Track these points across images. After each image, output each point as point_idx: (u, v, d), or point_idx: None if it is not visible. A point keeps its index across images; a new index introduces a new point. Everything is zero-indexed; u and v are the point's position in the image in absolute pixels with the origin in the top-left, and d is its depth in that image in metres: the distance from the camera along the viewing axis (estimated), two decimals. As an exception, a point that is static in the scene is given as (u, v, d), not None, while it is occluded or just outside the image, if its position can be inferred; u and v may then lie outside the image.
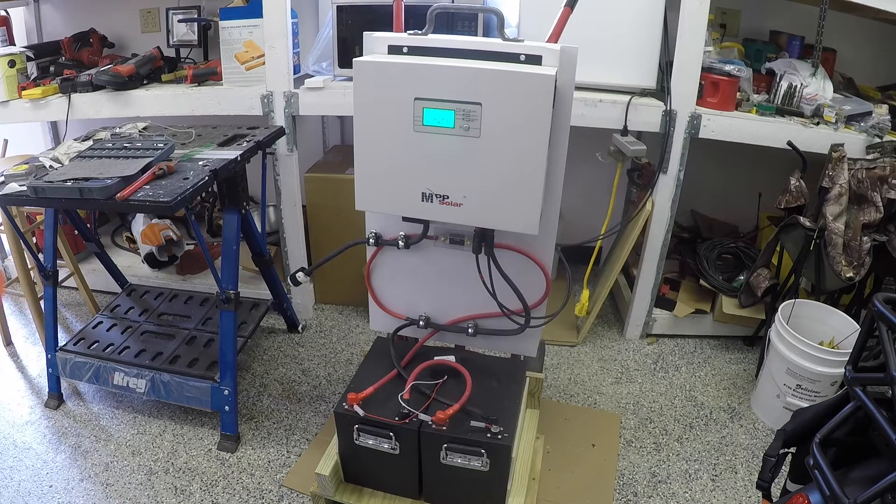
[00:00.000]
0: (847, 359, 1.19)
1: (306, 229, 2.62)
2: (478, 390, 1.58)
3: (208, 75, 2.37)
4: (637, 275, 2.49)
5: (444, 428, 1.48)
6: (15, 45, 2.68)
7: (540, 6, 1.87)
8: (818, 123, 2.13)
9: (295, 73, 2.32)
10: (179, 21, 2.74)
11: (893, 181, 1.98)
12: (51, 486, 1.86)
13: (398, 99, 1.29)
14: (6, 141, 2.80)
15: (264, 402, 2.22)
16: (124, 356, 2.09)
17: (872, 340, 1.18)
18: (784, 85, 2.17)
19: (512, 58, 1.33)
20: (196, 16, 2.72)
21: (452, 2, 2.16)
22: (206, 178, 1.72)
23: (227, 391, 1.95)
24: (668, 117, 2.15)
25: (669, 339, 2.60)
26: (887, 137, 2.07)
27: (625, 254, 2.39)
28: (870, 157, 2.05)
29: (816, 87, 2.15)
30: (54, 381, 2.17)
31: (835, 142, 2.04)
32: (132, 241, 2.98)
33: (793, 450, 1.33)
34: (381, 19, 2.21)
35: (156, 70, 2.48)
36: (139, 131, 2.16)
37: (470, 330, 1.69)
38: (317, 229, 2.65)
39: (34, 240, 2.69)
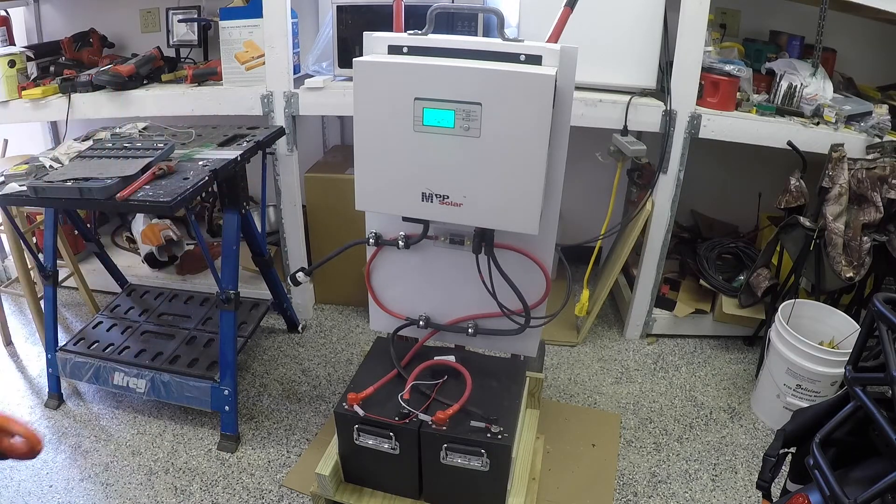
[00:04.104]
0: (847, 359, 1.19)
1: (306, 229, 2.62)
2: (478, 390, 1.58)
3: (208, 75, 2.37)
4: (637, 275, 2.49)
5: (444, 428, 1.48)
6: (15, 45, 2.68)
7: (540, 6, 1.87)
8: (818, 123, 2.13)
9: (295, 73, 2.32)
10: (179, 21, 2.74)
11: (893, 181, 1.98)
12: (51, 486, 1.86)
13: (398, 99, 1.29)
14: (6, 141, 2.80)
15: (264, 402, 2.22)
16: (124, 356, 2.09)
17: (872, 340, 1.18)
18: (784, 85, 2.17)
19: (512, 58, 1.33)
20: (196, 16, 2.72)
21: (452, 2, 2.16)
22: (206, 178, 1.72)
23: (227, 391, 1.95)
24: (668, 117, 2.15)
25: (669, 339, 2.60)
26: (887, 137, 2.07)
27: (625, 254, 2.39)
28: (870, 157, 2.05)
29: (816, 87, 2.15)
30: (54, 381, 2.17)
31: (835, 142, 2.04)
32: (132, 241, 2.98)
33: (793, 450, 1.33)
34: (381, 19, 2.22)
35: (156, 70, 2.48)
36: (139, 131, 2.16)
37: (470, 330, 1.69)
38: (317, 229, 2.65)
39: (34, 240, 2.69)
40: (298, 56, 2.41)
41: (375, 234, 1.64)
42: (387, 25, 1.57)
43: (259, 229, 2.33)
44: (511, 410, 1.56)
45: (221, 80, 2.34)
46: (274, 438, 2.04)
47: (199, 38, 2.74)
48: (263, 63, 2.25)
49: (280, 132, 2.23)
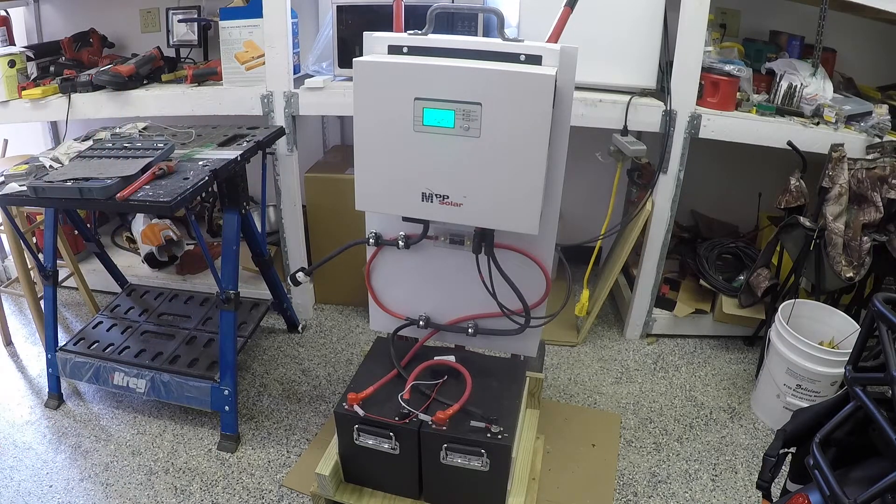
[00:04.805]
0: (847, 359, 1.19)
1: (306, 229, 2.62)
2: (478, 390, 1.58)
3: (208, 75, 2.37)
4: (637, 275, 2.49)
5: (444, 428, 1.48)
6: (15, 45, 2.68)
7: (540, 6, 1.87)
8: (818, 123, 2.13)
9: (295, 73, 2.32)
10: (179, 21, 2.74)
11: (893, 181, 1.98)
12: (51, 486, 1.86)
13: (398, 99, 1.29)
14: (6, 141, 2.80)
15: (264, 402, 2.22)
16: (124, 356, 2.09)
17: (872, 340, 1.18)
18: (784, 85, 2.17)
19: (512, 58, 1.33)
20: (196, 16, 2.72)
21: (452, 2, 2.16)
22: (206, 178, 1.72)
23: (227, 391, 1.95)
24: (668, 117, 2.15)
25: (669, 339, 2.60)
26: (887, 137, 2.07)
27: (625, 254, 2.39)
28: (870, 157, 2.05)
29: (816, 87, 2.15)
30: (54, 381, 2.17)
31: (835, 142, 2.04)
32: (132, 241, 2.98)
33: (793, 450, 1.33)
34: (381, 19, 2.22)
35: (156, 70, 2.48)
36: (139, 131, 2.16)
37: (470, 330, 1.69)
38: (317, 229, 2.65)
39: (34, 240, 2.69)
40: (298, 56, 2.41)
41: (375, 234, 1.64)
42: (387, 25, 1.57)
43: (259, 229, 2.33)
44: (511, 410, 1.56)
45: (221, 80, 2.33)
46: (274, 438, 2.04)
47: (199, 38, 2.74)
48: (263, 63, 2.25)
49: (280, 132, 2.23)
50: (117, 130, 2.15)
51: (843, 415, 1.14)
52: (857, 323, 2.06)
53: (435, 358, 1.69)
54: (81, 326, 2.35)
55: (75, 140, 2.06)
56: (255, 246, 2.31)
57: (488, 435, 1.47)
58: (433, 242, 1.59)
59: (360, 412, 1.52)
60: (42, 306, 2.22)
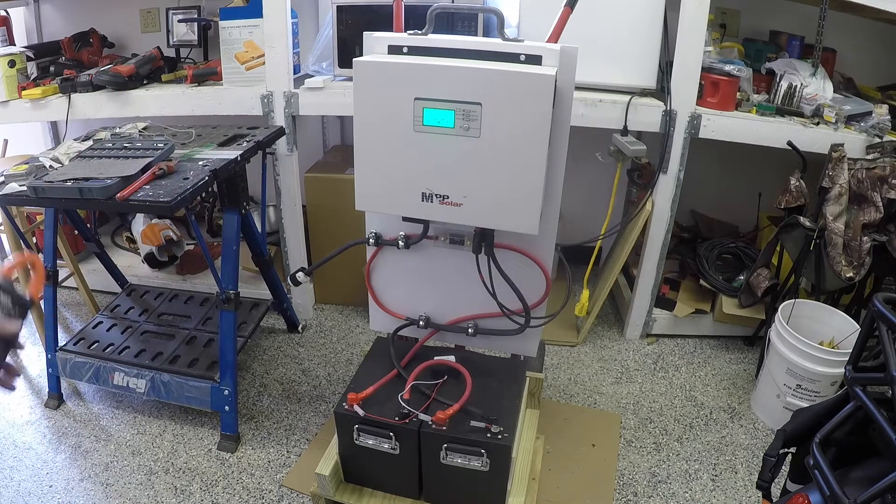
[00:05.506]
0: (847, 359, 1.19)
1: (306, 229, 2.62)
2: (478, 390, 1.58)
3: (208, 75, 2.37)
4: (637, 275, 2.49)
5: (444, 428, 1.48)
6: (15, 45, 2.68)
7: (540, 6, 1.87)
8: (818, 123, 2.13)
9: (295, 73, 2.32)
10: (179, 21, 2.74)
11: (893, 181, 1.98)
12: (51, 486, 1.86)
13: (398, 99, 1.29)
14: (6, 141, 2.80)
15: (264, 402, 2.22)
16: (124, 356, 2.09)
17: (872, 340, 1.18)
18: (784, 85, 2.17)
19: (512, 58, 1.33)
20: (196, 16, 2.72)
21: (452, 2, 2.16)
22: (206, 178, 1.72)
23: (227, 391, 1.95)
24: (668, 117, 2.15)
25: (669, 339, 2.60)
26: (887, 137, 2.07)
27: (625, 254, 2.39)
28: (870, 157, 2.05)
29: (816, 87, 2.15)
30: (54, 381, 2.17)
31: (835, 142, 2.04)
32: (132, 241, 2.98)
33: (793, 450, 1.33)
34: (381, 19, 2.22)
35: (156, 70, 2.48)
36: (139, 131, 2.16)
37: (470, 330, 1.69)
38: (317, 229, 2.65)
39: (34, 240, 2.69)
40: (298, 56, 2.41)
41: (375, 234, 1.64)
42: (387, 25, 1.57)
43: (259, 229, 2.33)
44: (511, 410, 1.56)
45: (221, 80, 2.33)
46: (274, 438, 2.04)
47: (199, 38, 2.74)
48: (263, 63, 2.25)
49: (280, 132, 2.23)
50: (117, 130, 2.15)
51: (843, 415, 1.14)
52: (857, 323, 2.06)
53: (435, 358, 1.69)
54: (81, 326, 2.35)
55: (75, 140, 2.06)
56: (255, 246, 2.31)
57: (488, 435, 1.47)
58: (433, 242, 1.59)
59: (360, 412, 1.52)
60: (42, 306, 2.22)
